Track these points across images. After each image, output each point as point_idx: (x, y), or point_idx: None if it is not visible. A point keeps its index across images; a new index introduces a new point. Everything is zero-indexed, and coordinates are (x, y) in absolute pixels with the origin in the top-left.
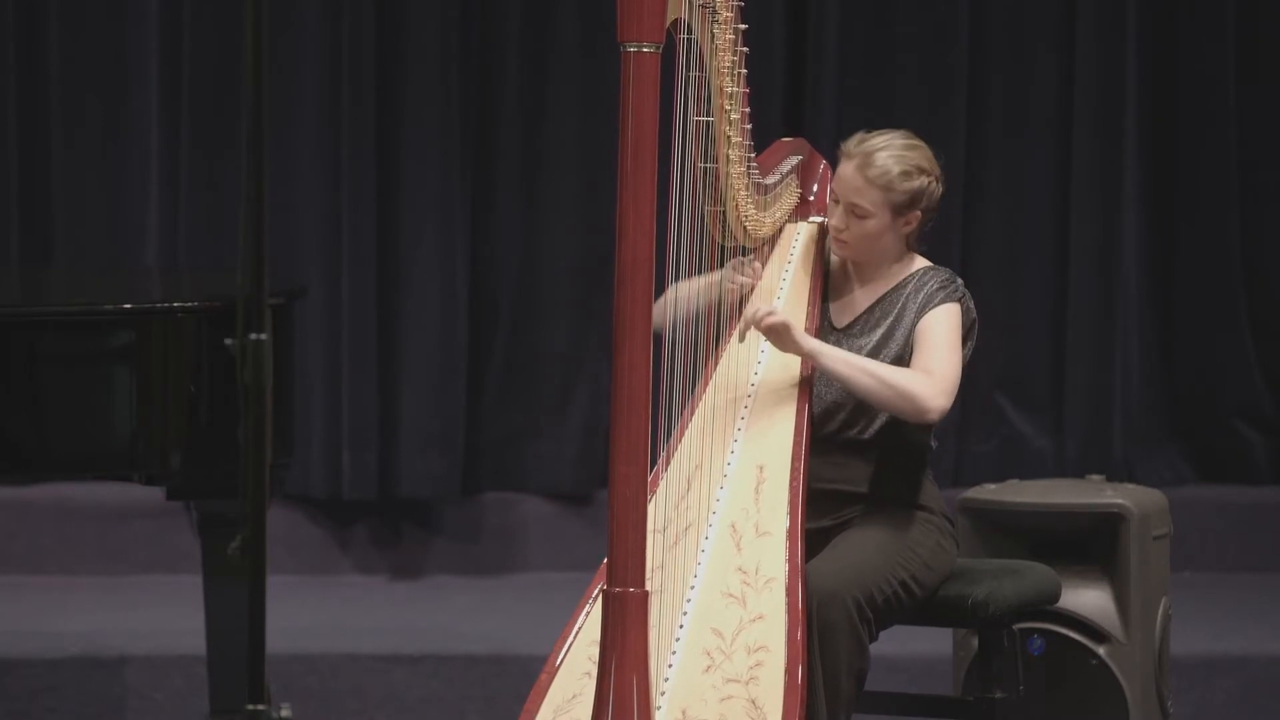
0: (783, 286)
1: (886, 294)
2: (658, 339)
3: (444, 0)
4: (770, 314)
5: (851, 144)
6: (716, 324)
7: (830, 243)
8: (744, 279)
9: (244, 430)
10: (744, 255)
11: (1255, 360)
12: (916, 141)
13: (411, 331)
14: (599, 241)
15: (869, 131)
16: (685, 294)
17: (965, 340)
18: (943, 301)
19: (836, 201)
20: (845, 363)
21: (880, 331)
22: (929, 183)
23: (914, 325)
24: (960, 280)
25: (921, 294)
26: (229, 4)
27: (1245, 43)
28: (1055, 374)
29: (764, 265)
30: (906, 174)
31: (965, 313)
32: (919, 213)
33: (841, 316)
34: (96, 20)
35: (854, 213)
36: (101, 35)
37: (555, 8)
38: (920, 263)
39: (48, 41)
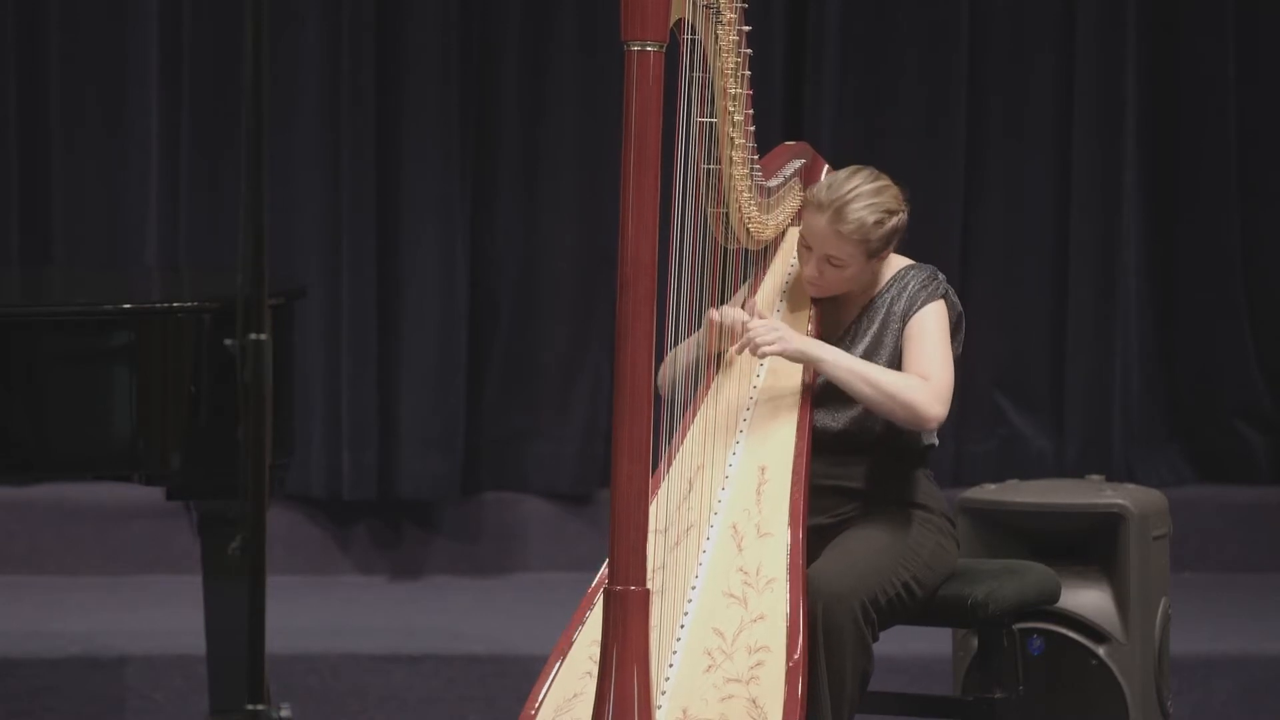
0: (785, 290)
1: (871, 301)
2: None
3: (444, 0)
4: (766, 343)
5: (821, 193)
6: (719, 327)
7: (804, 285)
8: (731, 320)
9: (244, 430)
10: (746, 258)
11: (1255, 360)
12: (884, 181)
13: (411, 331)
14: (599, 241)
15: (832, 173)
16: (682, 352)
17: (954, 334)
18: (926, 301)
19: (808, 248)
20: (847, 370)
21: (869, 339)
22: (900, 219)
23: (901, 327)
24: (942, 275)
25: (905, 295)
26: (229, 4)
27: (1245, 43)
28: (1055, 374)
29: (766, 269)
30: (880, 222)
31: (950, 307)
32: (890, 246)
33: (830, 330)
34: (96, 20)
35: (830, 263)
36: (101, 35)
37: (555, 7)
38: (899, 262)
39: (48, 41)
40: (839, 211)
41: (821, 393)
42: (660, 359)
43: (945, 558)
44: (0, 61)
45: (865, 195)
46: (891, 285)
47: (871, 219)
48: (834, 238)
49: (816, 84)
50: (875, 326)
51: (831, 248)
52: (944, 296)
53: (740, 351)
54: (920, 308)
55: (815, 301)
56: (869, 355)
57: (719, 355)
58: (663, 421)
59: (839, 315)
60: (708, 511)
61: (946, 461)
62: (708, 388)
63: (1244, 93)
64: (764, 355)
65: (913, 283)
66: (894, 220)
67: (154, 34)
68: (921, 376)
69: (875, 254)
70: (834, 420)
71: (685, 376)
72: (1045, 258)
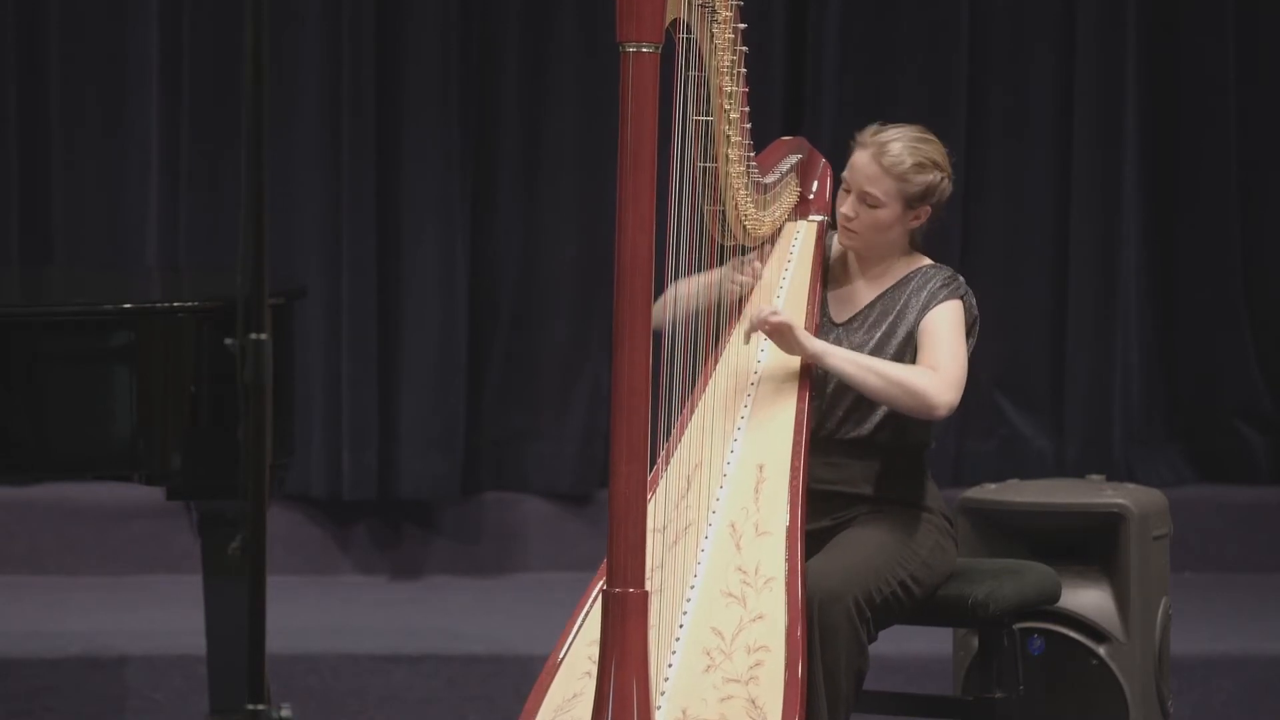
0: (782, 285)
1: (888, 290)
2: (658, 338)
3: (444, 0)
4: (774, 314)
5: (867, 134)
6: (716, 322)
7: (837, 233)
8: (744, 278)
9: (244, 430)
10: (743, 254)
11: (1255, 360)
12: (931, 136)
13: (411, 331)
14: (599, 241)
15: (883, 124)
16: (684, 293)
17: (967, 336)
18: (946, 299)
19: (848, 191)
20: (852, 363)
21: (882, 329)
22: (941, 178)
23: (917, 323)
24: (962, 278)
25: (925, 292)
26: (229, 4)
27: (1245, 43)
28: (1055, 374)
29: (763, 264)
30: (921, 166)
31: (967, 310)
32: (929, 207)
33: (841, 311)
34: (96, 20)
35: (866, 201)
36: (101, 35)
37: (555, 8)
38: (922, 260)
39: (48, 41)
40: (882, 146)
41: (821, 395)
42: (658, 358)
43: (944, 557)
44: (0, 61)
45: (910, 140)
46: (913, 278)
47: (911, 160)
48: (875, 172)
49: (816, 84)
50: (891, 318)
51: (870, 183)
52: (963, 298)
53: (750, 328)
54: (938, 304)
55: (812, 300)
56: (880, 346)
57: (717, 336)
58: (660, 421)
59: (853, 298)
60: (706, 510)
61: (946, 461)
62: (705, 383)
63: (1244, 93)
64: (770, 326)
65: (935, 280)
66: (935, 174)
67: (154, 34)
68: (931, 367)
69: (911, 203)
70: (829, 416)
71: (684, 321)
72: (1045, 258)
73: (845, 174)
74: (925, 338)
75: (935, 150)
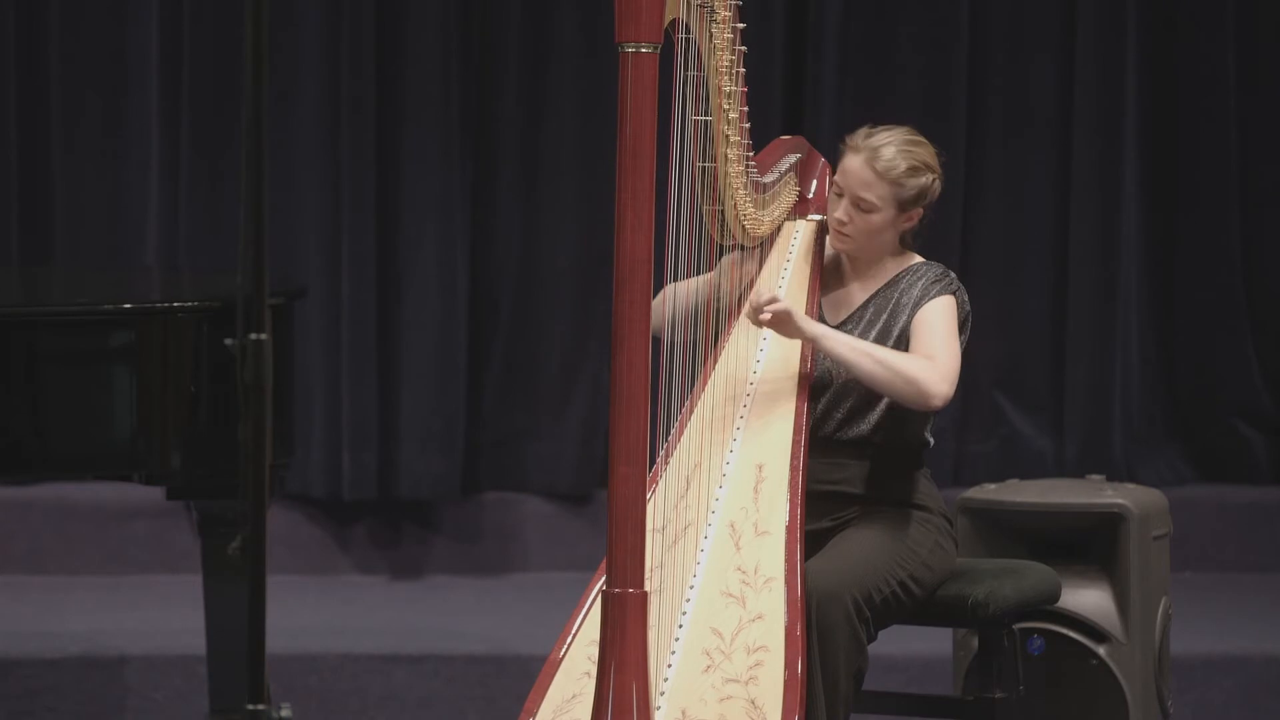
0: (782, 284)
1: (881, 289)
2: (656, 338)
3: (444, 0)
4: (774, 300)
5: (858, 138)
6: (715, 322)
7: (829, 237)
8: (744, 269)
9: (244, 430)
10: (742, 253)
11: (1255, 360)
12: (921, 138)
13: (411, 331)
14: (599, 242)
15: (873, 126)
16: (682, 291)
17: (960, 332)
18: (939, 294)
19: (840, 195)
20: (849, 347)
21: (878, 328)
22: (933, 180)
23: (910, 319)
24: (953, 274)
25: (917, 288)
26: (229, 4)
27: (1245, 43)
28: (1055, 374)
29: (763, 263)
30: (914, 170)
31: (960, 305)
32: (920, 209)
33: (835, 313)
34: (96, 20)
35: (859, 206)
36: (101, 35)
37: (555, 8)
38: (914, 258)
39: (48, 41)
40: (875, 151)
41: (822, 395)
42: (657, 357)
43: (944, 557)
44: (0, 61)
45: (902, 143)
46: (904, 276)
47: (905, 164)
48: (869, 177)
49: (816, 84)
50: (885, 316)
51: (864, 189)
52: (955, 293)
53: (749, 312)
54: (931, 300)
55: (812, 298)
56: (878, 342)
57: (716, 336)
58: (659, 419)
59: (847, 300)
60: (705, 510)
61: (946, 461)
62: (704, 383)
63: (1244, 92)
64: (770, 313)
65: (926, 276)
66: (927, 177)
67: (154, 34)
68: (927, 357)
69: (904, 206)
70: (829, 417)
71: (684, 318)
72: (1045, 258)
73: (837, 178)
74: (919, 331)
75: (926, 152)
